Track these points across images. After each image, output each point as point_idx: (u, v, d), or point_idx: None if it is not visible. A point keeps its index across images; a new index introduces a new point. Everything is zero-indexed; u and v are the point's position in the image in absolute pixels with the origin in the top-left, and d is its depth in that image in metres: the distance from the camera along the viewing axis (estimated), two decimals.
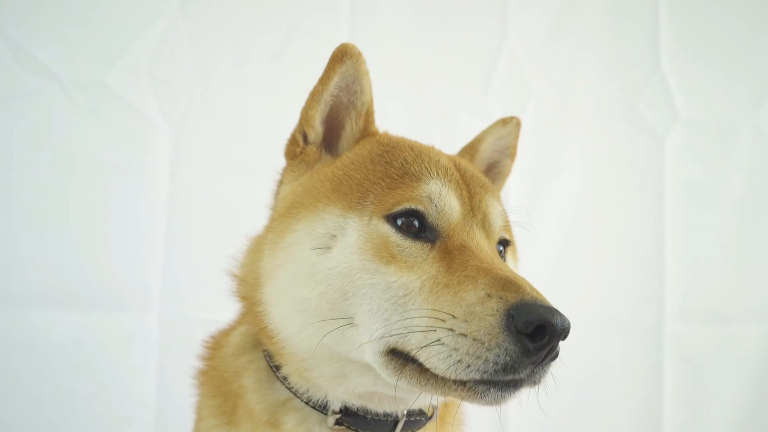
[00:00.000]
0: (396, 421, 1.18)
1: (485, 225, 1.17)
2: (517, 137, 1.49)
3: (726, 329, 3.00)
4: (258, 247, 1.25)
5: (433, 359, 0.97)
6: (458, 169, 1.22)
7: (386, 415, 1.18)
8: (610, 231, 2.95)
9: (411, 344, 1.00)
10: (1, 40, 2.35)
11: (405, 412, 1.18)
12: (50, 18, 2.39)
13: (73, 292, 2.38)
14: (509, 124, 1.48)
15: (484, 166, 1.50)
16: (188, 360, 2.42)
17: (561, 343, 1.00)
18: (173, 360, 2.45)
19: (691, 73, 3.04)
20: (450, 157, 1.29)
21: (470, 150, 1.47)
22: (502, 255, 1.26)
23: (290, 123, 2.61)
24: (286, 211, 1.19)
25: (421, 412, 1.22)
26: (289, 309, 1.12)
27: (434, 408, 1.24)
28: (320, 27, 2.68)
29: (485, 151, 1.48)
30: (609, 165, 2.98)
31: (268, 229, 1.24)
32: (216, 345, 1.38)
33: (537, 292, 1.00)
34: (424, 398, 1.15)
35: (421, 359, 0.99)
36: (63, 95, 2.39)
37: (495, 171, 1.51)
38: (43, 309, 2.35)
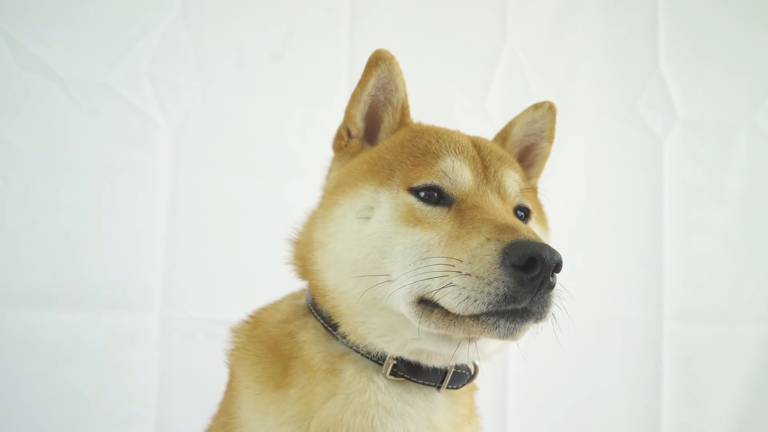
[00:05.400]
0: (446, 372, 1.33)
1: (500, 191, 1.34)
2: (552, 120, 1.60)
3: (725, 329, 3.01)
4: (312, 220, 1.45)
5: (448, 299, 1.13)
6: (476, 146, 1.39)
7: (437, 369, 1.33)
8: (609, 231, 2.96)
9: (432, 291, 1.16)
10: (2, 39, 2.34)
11: (453, 365, 1.33)
12: (52, 18, 2.39)
13: (73, 292, 2.38)
14: (541, 108, 1.60)
15: (520, 149, 1.62)
16: (189, 359, 2.45)
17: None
18: (174, 359, 2.45)
19: (689, 73, 3.06)
20: (471, 138, 1.44)
21: (502, 134, 1.60)
22: (523, 221, 1.38)
23: (290, 123, 2.63)
24: (333, 190, 1.39)
25: (466, 367, 1.38)
26: (342, 270, 1.29)
27: (476, 366, 1.41)
28: (320, 27, 2.69)
29: (516, 135, 1.60)
30: (608, 165, 2.99)
31: (319, 205, 1.44)
32: (254, 321, 1.49)
33: (533, 233, 1.15)
34: (462, 354, 1.29)
35: (440, 301, 1.15)
36: (64, 95, 2.39)
37: (533, 154, 1.63)
38: (43, 309, 2.35)
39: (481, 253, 1.12)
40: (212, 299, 2.48)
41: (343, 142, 1.46)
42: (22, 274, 2.35)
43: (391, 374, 1.30)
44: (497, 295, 1.09)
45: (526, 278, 1.08)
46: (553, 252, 1.09)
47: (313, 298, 1.38)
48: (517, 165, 1.46)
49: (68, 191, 2.40)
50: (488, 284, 1.09)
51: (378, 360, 1.31)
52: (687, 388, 2.96)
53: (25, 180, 2.37)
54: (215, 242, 2.52)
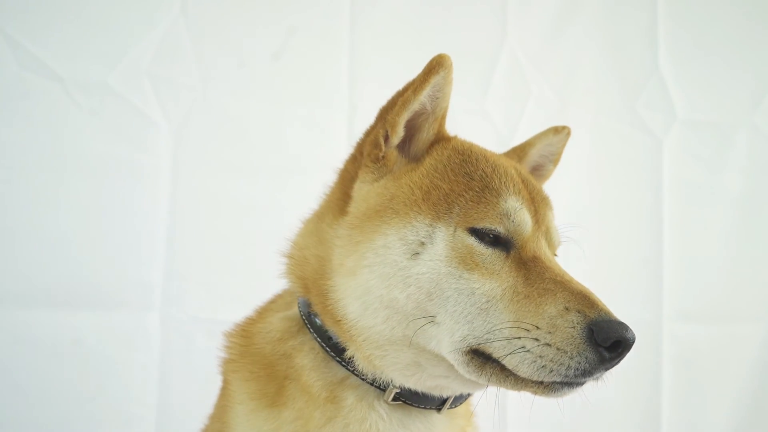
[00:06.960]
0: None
1: (548, 237, 1.31)
2: (564, 146, 1.58)
3: (724, 329, 3.01)
4: (318, 231, 1.34)
5: (519, 364, 1.11)
6: (523, 181, 1.33)
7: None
8: (609, 231, 2.96)
9: (495, 348, 1.13)
10: (2, 39, 2.35)
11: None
12: (52, 18, 2.39)
13: (73, 292, 2.39)
14: (561, 133, 1.57)
15: (529, 168, 1.58)
16: (189, 359, 2.45)
17: None
18: (175, 359, 2.45)
19: (689, 73, 3.06)
20: (515, 168, 1.37)
21: (520, 152, 1.55)
22: None
23: (290, 123, 2.63)
24: (374, 213, 1.26)
25: None
26: (373, 303, 1.20)
27: None
28: (320, 27, 2.69)
29: (533, 155, 1.57)
30: (608, 165, 2.99)
31: (350, 225, 1.28)
32: (246, 334, 1.43)
33: (607, 307, 1.14)
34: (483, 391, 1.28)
35: (505, 362, 1.13)
36: (64, 95, 2.39)
37: (537, 173, 1.60)
38: (43, 309, 2.36)
39: (563, 325, 1.10)
40: (212, 299, 2.48)
41: (380, 152, 1.29)
42: (22, 274, 2.35)
43: (392, 399, 1.26)
44: (577, 369, 1.09)
45: (609, 357, 1.10)
46: (633, 333, 1.11)
47: (310, 312, 1.31)
48: (552, 204, 1.42)
49: (68, 191, 2.40)
50: (570, 358, 1.09)
51: (379, 385, 1.26)
52: (687, 388, 2.96)
53: (25, 180, 2.37)
54: (215, 242, 2.52)
